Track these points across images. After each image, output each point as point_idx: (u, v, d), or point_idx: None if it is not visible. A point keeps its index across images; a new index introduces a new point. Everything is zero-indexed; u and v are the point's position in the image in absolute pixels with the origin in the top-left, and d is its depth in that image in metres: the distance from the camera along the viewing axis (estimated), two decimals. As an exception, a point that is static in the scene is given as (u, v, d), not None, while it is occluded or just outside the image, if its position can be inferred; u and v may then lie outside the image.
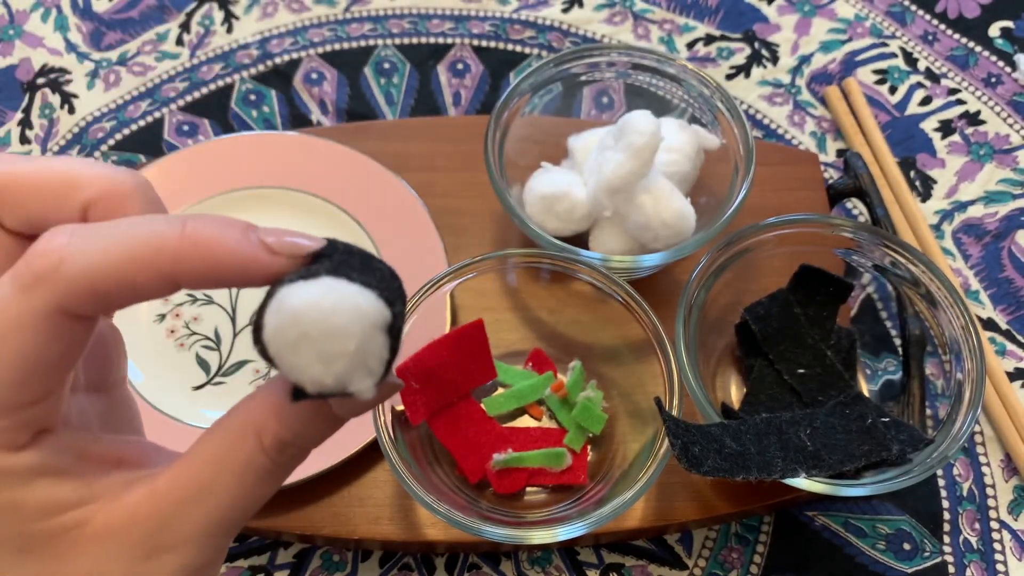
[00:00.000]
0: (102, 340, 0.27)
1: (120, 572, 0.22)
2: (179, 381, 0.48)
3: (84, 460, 0.23)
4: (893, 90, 0.62)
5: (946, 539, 0.47)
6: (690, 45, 0.65)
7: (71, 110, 0.61)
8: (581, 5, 0.66)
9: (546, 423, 0.46)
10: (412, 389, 0.41)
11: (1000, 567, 0.47)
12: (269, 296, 0.20)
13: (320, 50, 0.64)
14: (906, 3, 0.66)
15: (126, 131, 0.61)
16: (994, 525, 0.48)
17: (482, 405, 0.45)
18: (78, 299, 0.20)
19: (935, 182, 0.59)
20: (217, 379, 0.49)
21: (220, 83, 0.63)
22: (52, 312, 0.20)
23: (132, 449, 0.24)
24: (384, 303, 0.21)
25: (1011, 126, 0.61)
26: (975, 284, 0.55)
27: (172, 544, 0.23)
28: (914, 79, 0.63)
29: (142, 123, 0.61)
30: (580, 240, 0.49)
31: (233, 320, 0.51)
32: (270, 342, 0.20)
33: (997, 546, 0.47)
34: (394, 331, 0.21)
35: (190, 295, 0.51)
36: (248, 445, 0.23)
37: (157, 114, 0.61)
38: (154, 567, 0.23)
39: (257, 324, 0.21)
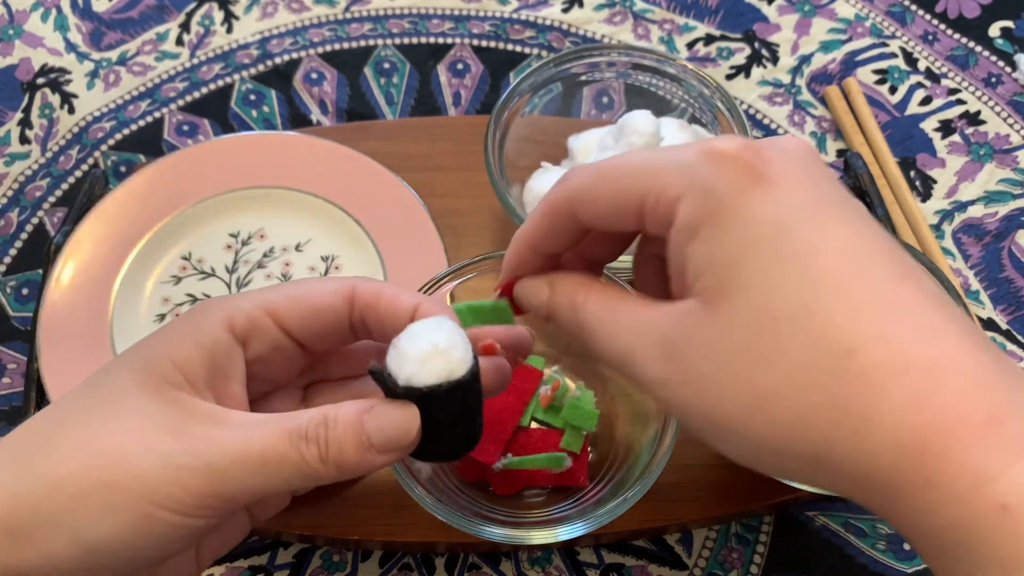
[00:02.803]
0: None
1: (158, 425, 0.27)
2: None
3: (223, 380, 0.30)
4: (893, 90, 0.62)
5: (946, 539, 0.47)
6: (690, 45, 0.65)
7: (71, 110, 0.61)
8: (581, 5, 0.66)
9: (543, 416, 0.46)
10: None
11: (1000, 567, 0.47)
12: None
13: (320, 50, 0.64)
14: (906, 3, 0.66)
15: (126, 131, 0.61)
16: (994, 525, 0.48)
17: None
18: (361, 302, 0.32)
19: (935, 182, 0.59)
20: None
21: (220, 83, 0.63)
22: (345, 292, 0.32)
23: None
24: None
25: (1011, 126, 0.61)
26: (975, 284, 0.55)
27: (201, 438, 0.27)
28: (914, 79, 0.63)
29: (142, 123, 0.61)
30: (580, 240, 0.49)
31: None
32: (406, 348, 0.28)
33: (997, 546, 0.47)
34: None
35: (190, 295, 0.51)
36: (295, 399, 0.31)
37: (157, 114, 0.61)
38: (177, 439, 0.27)
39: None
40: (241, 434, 0.27)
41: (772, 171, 0.24)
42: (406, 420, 0.28)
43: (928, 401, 0.20)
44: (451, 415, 0.29)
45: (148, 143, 0.60)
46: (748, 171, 0.24)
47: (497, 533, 0.38)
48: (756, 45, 0.65)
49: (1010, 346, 0.53)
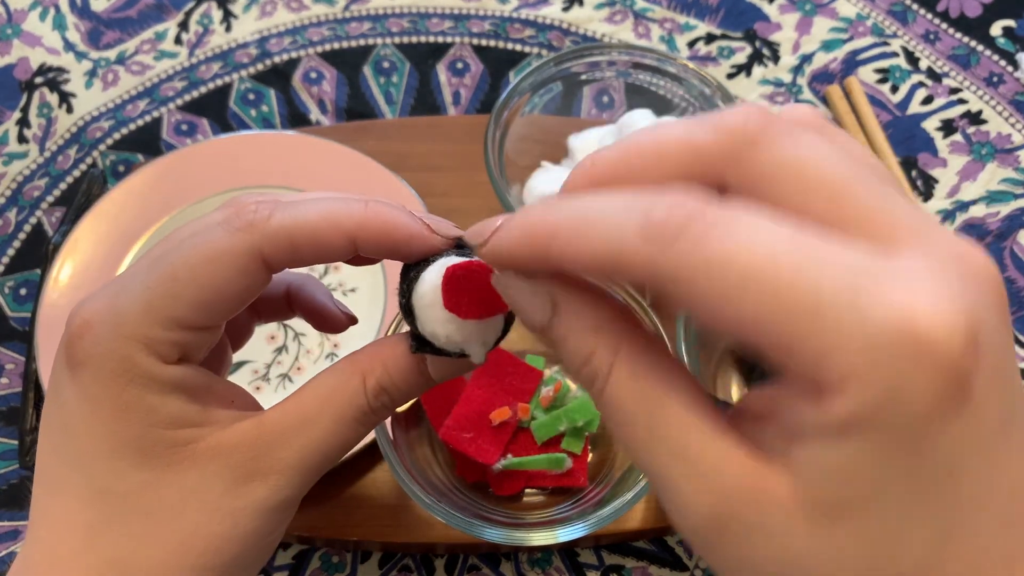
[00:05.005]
0: (222, 343, 0.31)
1: (218, 491, 0.25)
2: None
3: (207, 392, 0.27)
4: (895, 89, 0.62)
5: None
6: (691, 44, 0.65)
7: (69, 109, 0.61)
8: (581, 4, 0.66)
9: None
10: (469, 439, 0.42)
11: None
12: (426, 263, 0.25)
13: (319, 49, 0.64)
14: (907, 2, 0.66)
15: (124, 130, 0.60)
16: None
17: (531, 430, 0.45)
18: (276, 247, 0.24)
19: (937, 182, 0.59)
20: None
21: (219, 82, 0.62)
22: (251, 253, 0.24)
23: (245, 397, 0.28)
24: None
25: (1013, 125, 0.61)
26: (977, 284, 0.55)
27: (267, 471, 0.26)
28: (916, 78, 0.63)
29: (140, 122, 0.61)
30: (580, 240, 0.49)
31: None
32: (425, 294, 0.25)
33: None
34: (509, 319, 0.26)
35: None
36: (354, 383, 0.26)
37: (156, 113, 0.61)
38: (246, 491, 0.26)
39: (410, 281, 0.25)
40: (304, 441, 0.26)
41: (976, 384, 0.18)
42: (462, 366, 0.28)
43: None
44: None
45: (147, 142, 0.60)
46: (953, 386, 0.17)
47: (497, 534, 0.38)
48: (757, 44, 0.64)
49: (1012, 346, 0.53)
